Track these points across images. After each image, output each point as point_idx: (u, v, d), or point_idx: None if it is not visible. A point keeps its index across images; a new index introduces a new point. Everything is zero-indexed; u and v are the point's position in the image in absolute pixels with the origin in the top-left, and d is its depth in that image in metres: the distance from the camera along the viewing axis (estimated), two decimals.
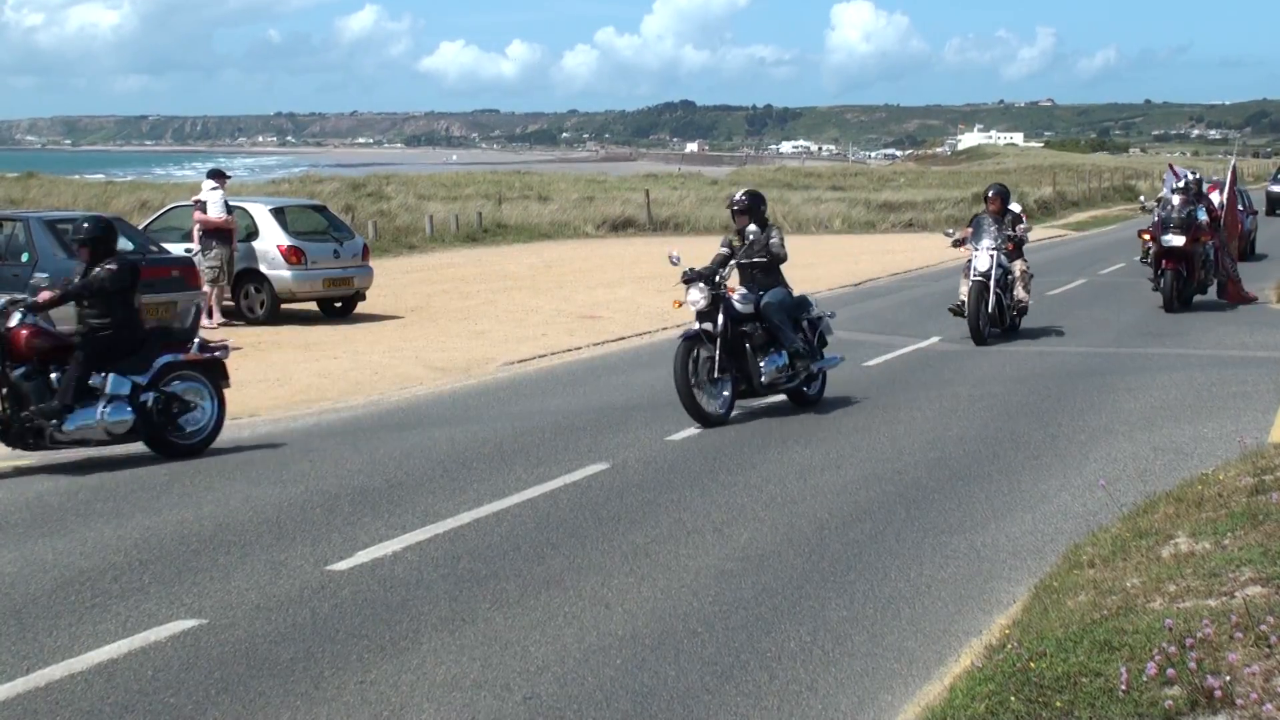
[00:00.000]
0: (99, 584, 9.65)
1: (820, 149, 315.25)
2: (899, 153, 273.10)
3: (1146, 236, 28.81)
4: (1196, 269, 27.39)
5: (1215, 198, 29.70)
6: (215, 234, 24.99)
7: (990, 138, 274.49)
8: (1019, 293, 23.53)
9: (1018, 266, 23.51)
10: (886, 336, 23.37)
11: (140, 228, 25.99)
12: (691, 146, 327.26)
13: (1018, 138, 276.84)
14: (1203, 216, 27.59)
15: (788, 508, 11.88)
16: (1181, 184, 28.08)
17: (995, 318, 22.76)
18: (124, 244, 23.05)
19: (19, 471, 13.51)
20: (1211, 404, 16.59)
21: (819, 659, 8.22)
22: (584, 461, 13.59)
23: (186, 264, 22.92)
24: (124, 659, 8.13)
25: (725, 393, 15.74)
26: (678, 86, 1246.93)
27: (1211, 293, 28.50)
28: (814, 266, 36.96)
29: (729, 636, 8.57)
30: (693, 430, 15.17)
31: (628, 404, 16.94)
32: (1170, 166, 31.13)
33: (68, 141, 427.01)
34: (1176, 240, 26.81)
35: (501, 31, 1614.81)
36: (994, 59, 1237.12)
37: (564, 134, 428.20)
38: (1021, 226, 23.66)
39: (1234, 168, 32.24)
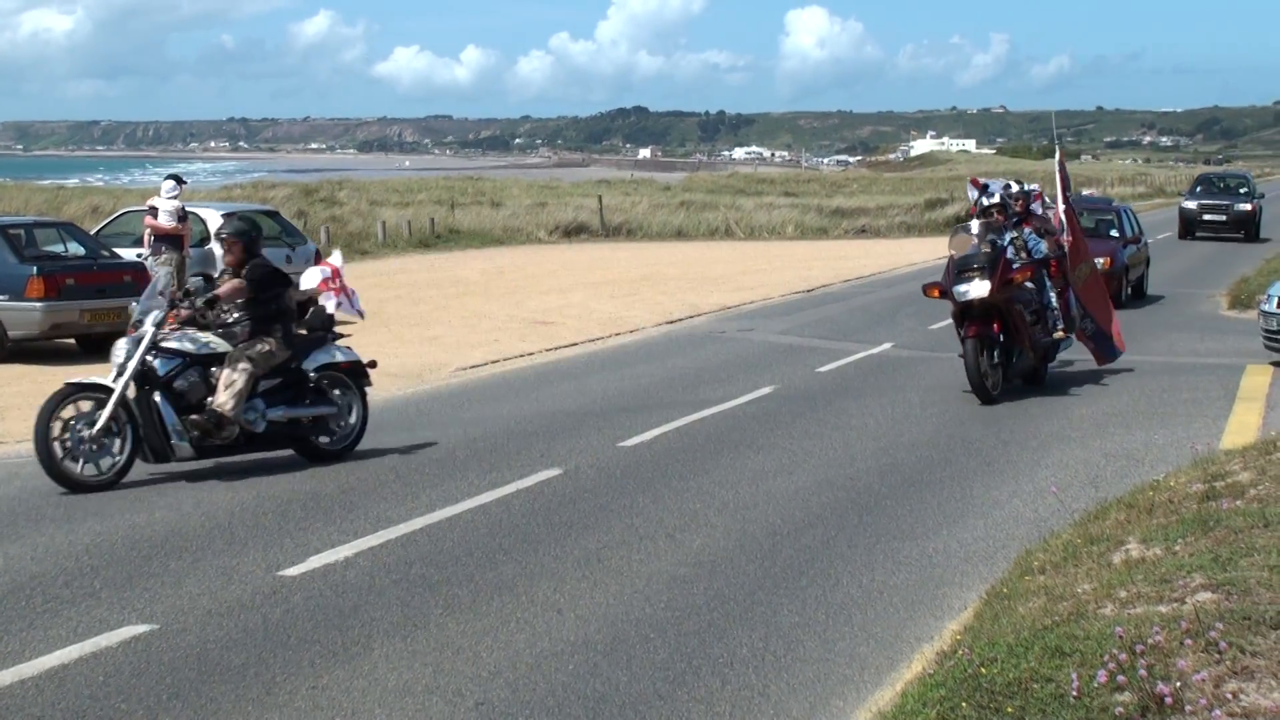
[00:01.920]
0: (50, 589, 9.59)
1: (774, 155, 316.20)
2: (851, 159, 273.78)
3: (935, 293, 18.42)
4: (1023, 329, 18.10)
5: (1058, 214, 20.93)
6: (166, 239, 24.87)
7: (943, 144, 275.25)
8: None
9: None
10: (839, 342, 23.42)
11: (92, 233, 25.86)
12: (645, 152, 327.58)
13: (970, 144, 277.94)
14: (1038, 246, 19.37)
15: (740, 513, 11.89)
16: (990, 200, 19.20)
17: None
18: (76, 248, 23.02)
19: None
20: (1163, 410, 16.71)
21: (771, 664, 8.24)
22: (537, 467, 13.57)
23: (138, 269, 22.79)
24: (75, 664, 8.08)
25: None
26: (631, 93, 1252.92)
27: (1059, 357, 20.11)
28: (766, 273, 37.05)
29: (681, 642, 8.58)
30: (645, 435, 15.16)
31: (580, 409, 16.92)
32: (971, 181, 21.04)
33: (19, 147, 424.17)
34: (976, 290, 17.46)
35: (456, 37, 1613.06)
36: (948, 65, 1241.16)
37: (517, 140, 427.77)
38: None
39: (1060, 163, 22.08)
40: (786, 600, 9.47)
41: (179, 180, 26.32)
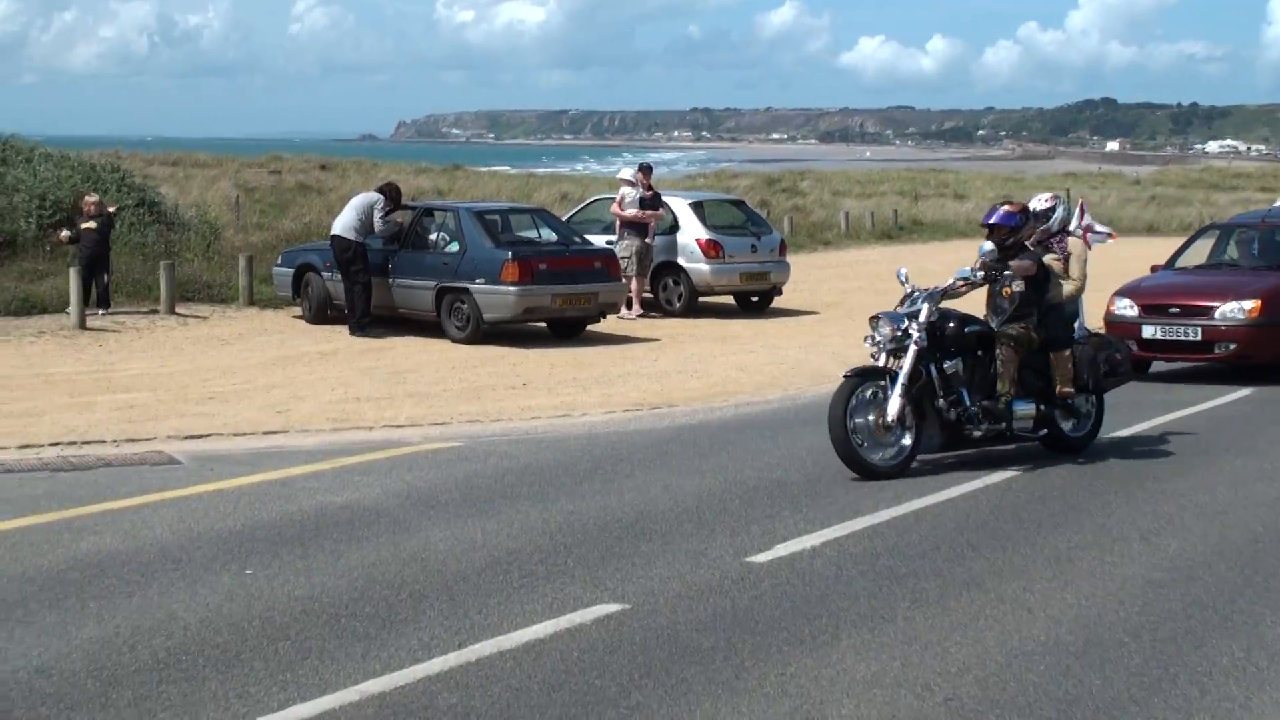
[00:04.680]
0: (526, 565, 9.90)
1: (1249, 149, 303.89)
2: None
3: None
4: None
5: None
6: (632, 226, 25.39)
7: None
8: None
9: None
10: None
11: (564, 219, 26.62)
12: (1112, 145, 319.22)
13: None
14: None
15: (1218, 518, 11.46)
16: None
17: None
18: (548, 234, 23.75)
19: (438, 453, 13.97)
20: None
21: (1254, 677, 7.87)
22: (1008, 464, 13.38)
23: (608, 255, 23.36)
24: (550, 639, 8.30)
25: None
26: (1100, 83, 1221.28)
27: None
28: None
29: (1157, 648, 8.29)
30: (1119, 434, 14.78)
31: None
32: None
33: (490, 135, 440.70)
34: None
35: (922, 27, 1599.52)
36: None
37: (980, 131, 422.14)
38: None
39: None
40: (1270, 611, 9.05)
41: (646, 169, 26.88)
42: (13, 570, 9.73)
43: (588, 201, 29.94)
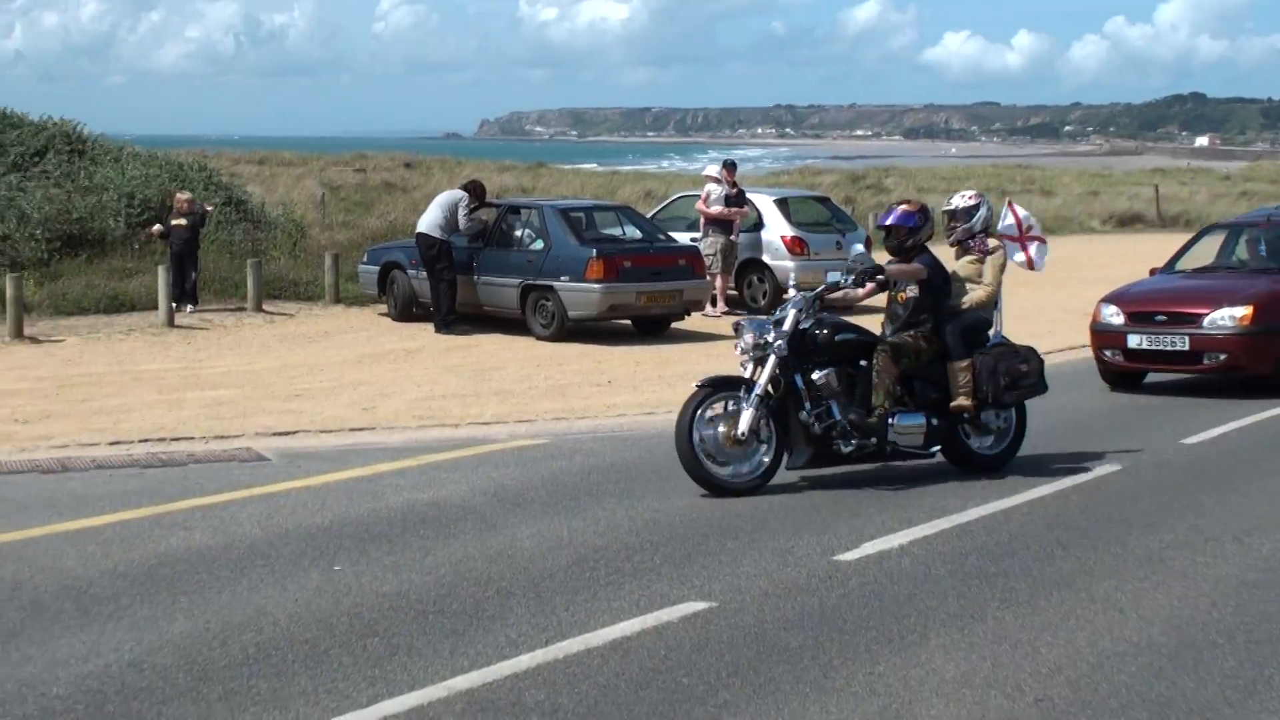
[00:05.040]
0: (612, 562, 9.89)
1: None
2: None
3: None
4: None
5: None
6: (716, 223, 25.34)
7: None
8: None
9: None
10: None
11: (648, 216, 26.61)
12: (1201, 140, 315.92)
13: None
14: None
15: None
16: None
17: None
18: (632, 231, 23.75)
19: (524, 451, 13.99)
20: None
21: None
22: (1095, 462, 13.25)
23: (693, 253, 23.33)
24: (637, 637, 8.29)
25: None
26: (1189, 78, 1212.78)
27: None
28: None
29: (1252, 650, 8.17)
30: (1210, 433, 14.63)
31: (1142, 405, 16.45)
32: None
33: (574, 133, 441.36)
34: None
35: (1008, 22, 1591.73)
36: None
37: (1067, 127, 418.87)
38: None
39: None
40: None
41: (731, 166, 26.82)
42: (105, 565, 9.82)
43: (672, 199, 29.92)
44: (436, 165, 53.76)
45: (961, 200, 13.65)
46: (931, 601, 9.03)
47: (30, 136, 31.06)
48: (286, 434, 14.66)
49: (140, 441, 14.22)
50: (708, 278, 23.93)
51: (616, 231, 23.87)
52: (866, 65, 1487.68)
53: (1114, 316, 17.89)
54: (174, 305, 22.89)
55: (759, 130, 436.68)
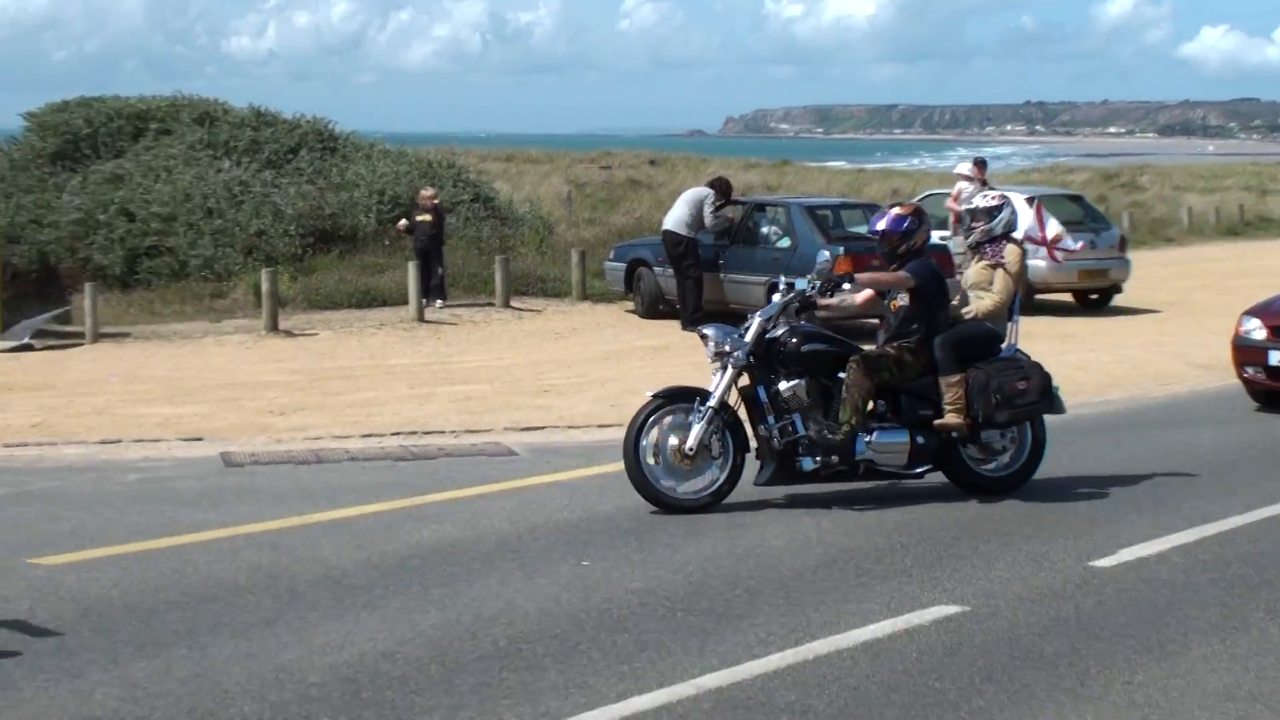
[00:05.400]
0: (861, 564, 9.78)
1: None
2: None
3: None
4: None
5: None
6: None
7: None
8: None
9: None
10: None
11: None
12: None
13: None
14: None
15: None
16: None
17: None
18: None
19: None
20: None
21: None
22: None
23: (942, 251, 23.02)
24: (888, 639, 8.18)
25: None
26: None
27: None
28: None
29: None
30: None
31: None
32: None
33: (819, 130, 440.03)
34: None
35: (1269, 15, 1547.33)
36: None
37: None
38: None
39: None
40: None
41: (982, 163, 26.45)
42: (358, 556, 9.97)
43: (920, 197, 29.61)
44: (681, 162, 54.06)
45: (984, 200, 12.83)
46: (1193, 610, 8.76)
47: (284, 134, 31.83)
48: (535, 429, 14.79)
49: (392, 435, 14.45)
50: (957, 277, 23.58)
51: (864, 229, 23.66)
52: (1119, 60, 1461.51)
53: (1256, 331, 16.31)
54: (423, 300, 23.24)
55: (1008, 128, 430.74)
